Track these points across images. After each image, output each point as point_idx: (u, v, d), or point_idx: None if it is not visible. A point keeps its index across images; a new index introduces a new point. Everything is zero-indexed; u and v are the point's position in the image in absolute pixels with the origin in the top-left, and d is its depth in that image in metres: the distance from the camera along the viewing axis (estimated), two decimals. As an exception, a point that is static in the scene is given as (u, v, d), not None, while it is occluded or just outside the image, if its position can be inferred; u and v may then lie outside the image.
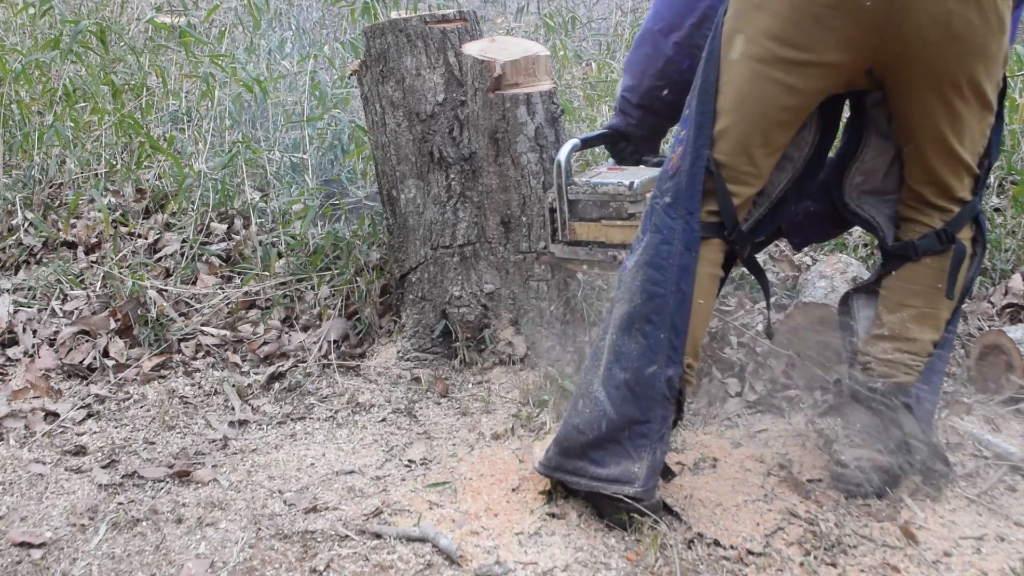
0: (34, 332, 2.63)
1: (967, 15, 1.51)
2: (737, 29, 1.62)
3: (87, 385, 2.42)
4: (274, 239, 2.86)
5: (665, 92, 2.04)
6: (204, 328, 2.62)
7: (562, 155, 2.03)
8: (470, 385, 2.31)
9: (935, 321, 1.77)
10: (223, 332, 2.61)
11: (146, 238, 3.03)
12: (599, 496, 1.68)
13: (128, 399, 2.34)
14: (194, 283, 2.83)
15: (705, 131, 1.65)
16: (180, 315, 2.67)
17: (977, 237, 1.78)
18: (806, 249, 2.74)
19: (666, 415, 1.66)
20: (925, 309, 1.76)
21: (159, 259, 2.93)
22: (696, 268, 1.66)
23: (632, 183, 1.99)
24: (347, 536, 1.70)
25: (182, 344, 2.57)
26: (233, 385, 2.35)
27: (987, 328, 2.34)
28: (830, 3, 1.53)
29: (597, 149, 2.34)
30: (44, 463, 2.04)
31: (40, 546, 1.71)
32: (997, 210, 2.81)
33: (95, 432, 2.19)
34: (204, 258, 2.90)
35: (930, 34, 1.53)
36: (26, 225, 3.11)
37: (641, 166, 2.18)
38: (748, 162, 1.66)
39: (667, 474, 1.80)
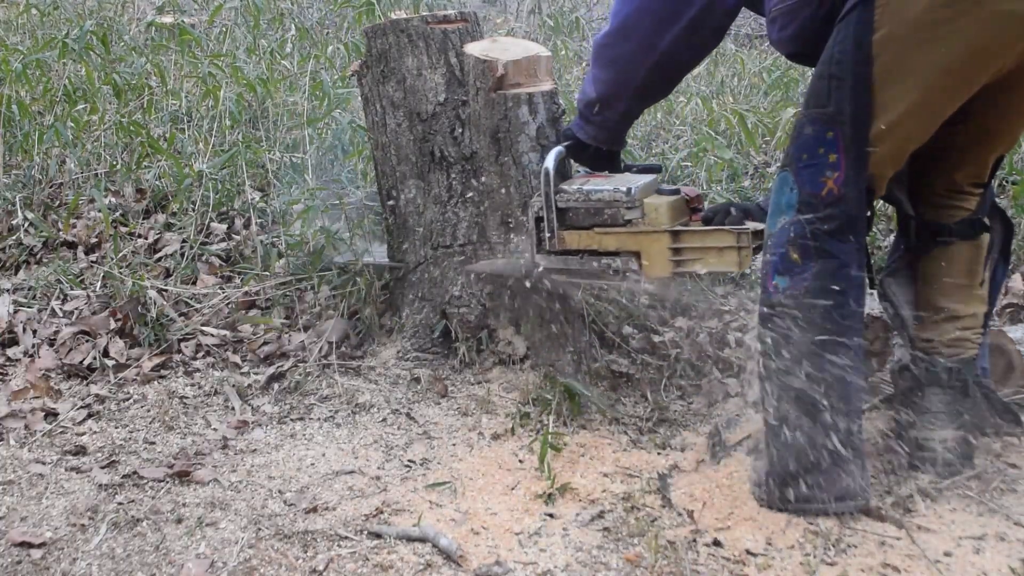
0: (34, 332, 2.63)
1: None
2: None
3: (87, 385, 2.41)
4: (274, 239, 2.86)
5: (658, 90, 2.03)
6: (204, 328, 2.62)
7: (550, 162, 2.01)
8: (470, 385, 2.31)
9: (982, 295, 1.86)
10: (223, 332, 2.61)
11: (146, 238, 3.02)
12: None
13: (128, 399, 2.34)
14: (194, 283, 2.83)
15: (862, 160, 1.63)
16: (180, 315, 2.67)
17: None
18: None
19: (859, 418, 1.71)
20: (971, 286, 1.85)
21: (159, 259, 2.92)
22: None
23: (630, 189, 1.97)
24: (347, 536, 1.70)
25: (182, 344, 2.57)
26: (233, 385, 2.35)
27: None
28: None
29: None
30: (44, 463, 2.04)
31: (40, 546, 1.71)
32: (997, 210, 2.81)
33: (95, 432, 2.19)
34: (204, 258, 2.90)
35: None
36: (26, 225, 3.11)
37: (626, 173, 2.17)
38: (897, 165, 1.70)
39: (663, 479, 1.78)
